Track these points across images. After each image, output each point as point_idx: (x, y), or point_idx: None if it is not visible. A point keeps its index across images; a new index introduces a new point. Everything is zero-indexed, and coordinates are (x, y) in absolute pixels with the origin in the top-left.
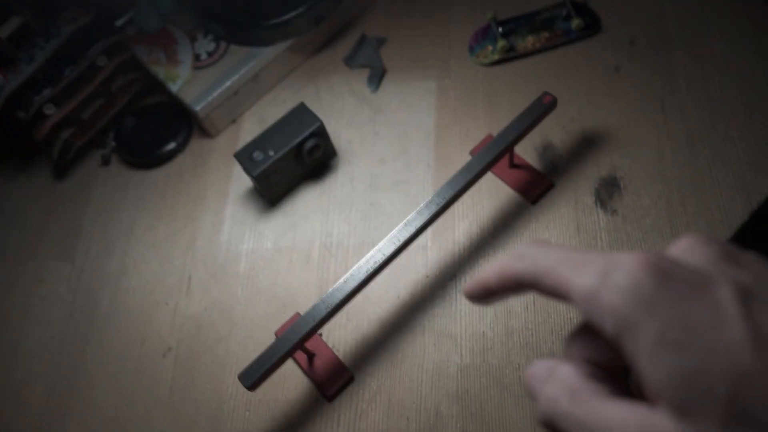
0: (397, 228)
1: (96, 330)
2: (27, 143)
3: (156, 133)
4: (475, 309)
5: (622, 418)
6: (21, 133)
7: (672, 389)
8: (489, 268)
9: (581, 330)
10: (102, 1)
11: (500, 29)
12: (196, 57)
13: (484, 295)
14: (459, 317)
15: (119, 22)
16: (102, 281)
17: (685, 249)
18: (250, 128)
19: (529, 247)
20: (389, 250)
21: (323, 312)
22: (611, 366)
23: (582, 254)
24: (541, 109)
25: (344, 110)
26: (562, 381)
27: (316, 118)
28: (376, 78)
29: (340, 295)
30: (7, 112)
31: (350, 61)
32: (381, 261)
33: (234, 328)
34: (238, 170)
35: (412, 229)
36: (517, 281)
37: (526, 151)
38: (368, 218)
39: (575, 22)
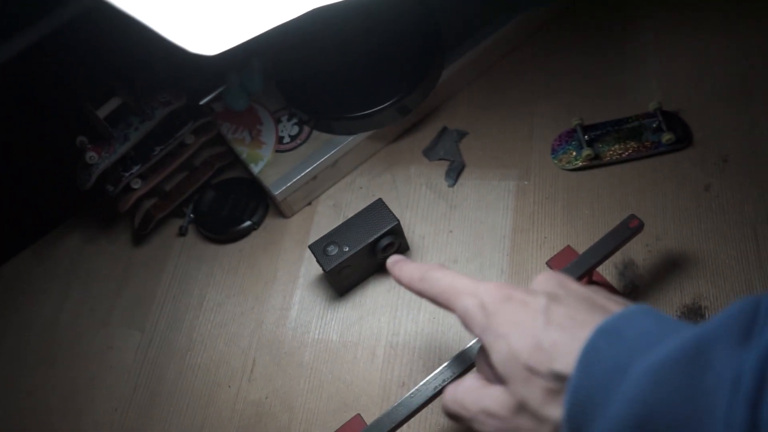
0: (470, 344)
1: (158, 407)
2: (111, 209)
3: (233, 209)
4: None
5: (485, 395)
6: (106, 200)
7: (500, 366)
8: (405, 274)
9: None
10: (194, 83)
11: (586, 136)
12: (279, 140)
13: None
14: None
15: (203, 101)
16: (168, 355)
17: (537, 281)
18: (324, 211)
19: (430, 271)
20: (459, 369)
21: (387, 426)
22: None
23: (461, 283)
24: (627, 233)
25: (420, 203)
26: (462, 383)
27: (393, 217)
28: (454, 173)
29: (406, 411)
30: (97, 185)
31: (429, 153)
32: (450, 378)
33: (293, 422)
34: (310, 254)
35: None
36: (418, 293)
37: (606, 267)
38: (437, 321)
39: (666, 137)
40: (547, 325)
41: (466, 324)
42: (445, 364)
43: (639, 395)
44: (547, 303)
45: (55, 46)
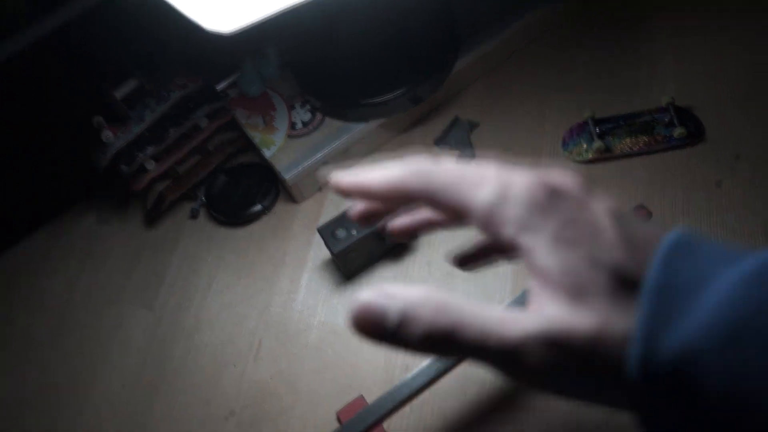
0: None
1: (165, 383)
2: (125, 190)
3: (245, 193)
4: (551, 419)
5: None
6: (120, 182)
7: (567, 275)
8: (376, 174)
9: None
10: (210, 68)
11: (597, 129)
12: (292, 125)
13: (359, 197)
14: (528, 423)
15: (220, 86)
16: (177, 334)
17: (558, 176)
18: (334, 198)
19: (424, 163)
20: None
21: (389, 405)
22: None
23: (476, 171)
24: None
25: None
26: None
27: None
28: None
29: (408, 391)
30: (112, 165)
31: (440, 143)
32: (453, 361)
33: (297, 402)
34: (318, 239)
35: None
36: (407, 195)
37: None
38: None
39: (678, 131)
40: (626, 241)
41: (489, 225)
42: None
43: (731, 299)
44: (609, 214)
45: (78, 29)
